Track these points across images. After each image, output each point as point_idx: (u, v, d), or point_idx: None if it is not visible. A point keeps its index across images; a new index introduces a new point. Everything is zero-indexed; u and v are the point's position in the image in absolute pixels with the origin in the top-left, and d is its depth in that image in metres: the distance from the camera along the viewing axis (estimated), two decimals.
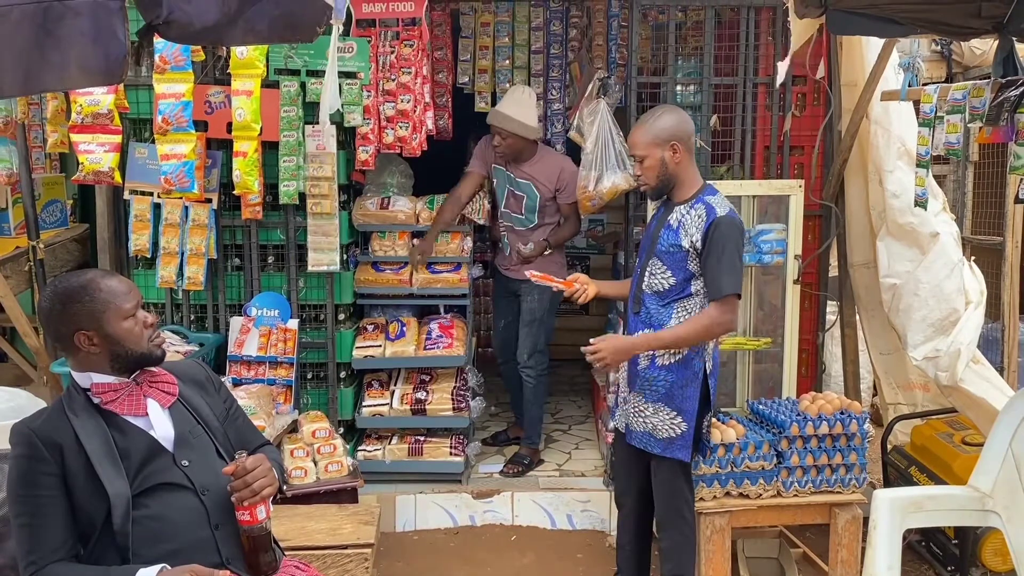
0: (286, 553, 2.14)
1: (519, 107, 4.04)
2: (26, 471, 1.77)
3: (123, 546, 1.77)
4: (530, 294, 4.20)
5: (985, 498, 2.40)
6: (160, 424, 1.91)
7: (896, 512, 2.36)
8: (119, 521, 1.77)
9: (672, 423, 2.84)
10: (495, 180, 4.27)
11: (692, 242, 2.79)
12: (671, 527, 2.95)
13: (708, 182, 2.95)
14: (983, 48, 4.49)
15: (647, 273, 2.92)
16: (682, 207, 2.86)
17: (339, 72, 3.82)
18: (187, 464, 1.89)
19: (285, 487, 2.14)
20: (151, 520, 1.81)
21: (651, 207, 3.14)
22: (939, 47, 4.75)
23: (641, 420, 2.90)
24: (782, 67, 3.21)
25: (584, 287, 3.06)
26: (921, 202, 3.11)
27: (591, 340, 2.90)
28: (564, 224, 4.27)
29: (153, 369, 1.96)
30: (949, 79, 4.65)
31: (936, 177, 4.02)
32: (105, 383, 1.88)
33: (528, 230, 4.23)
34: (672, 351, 2.85)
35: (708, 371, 2.87)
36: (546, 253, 4.18)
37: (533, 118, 4.11)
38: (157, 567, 1.75)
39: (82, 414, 1.84)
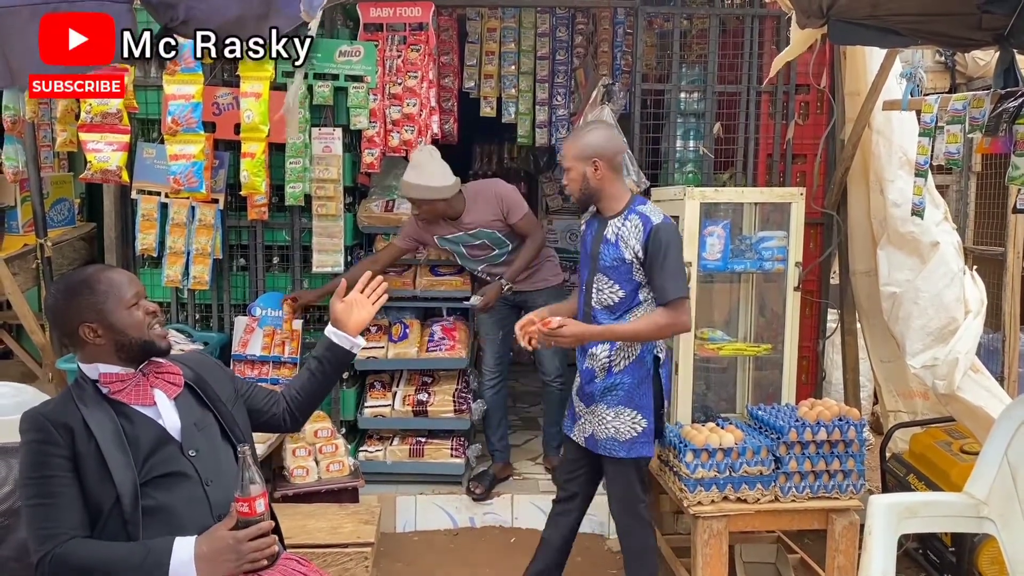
0: (287, 549, 2.16)
1: (421, 171, 3.72)
2: (38, 453, 1.79)
3: (132, 535, 1.79)
4: (546, 302, 3.53)
5: (980, 505, 2.41)
6: (167, 414, 1.93)
7: (891, 517, 2.37)
8: (129, 508, 1.79)
9: (633, 423, 2.90)
10: (448, 249, 4.03)
11: (634, 253, 2.83)
12: (634, 530, 3.00)
13: (636, 195, 3.00)
14: (986, 59, 4.50)
15: (594, 289, 2.94)
16: (616, 220, 2.90)
17: (345, 75, 3.87)
18: (194, 454, 1.91)
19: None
20: (157, 510, 1.83)
21: (584, 219, 3.15)
22: (943, 57, 4.76)
23: (603, 427, 2.93)
24: (776, 64, 3.19)
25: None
26: (918, 211, 3.12)
27: (549, 318, 2.86)
28: (523, 246, 3.94)
29: (159, 360, 1.99)
30: (953, 89, 4.66)
31: (939, 187, 4.03)
32: (112, 373, 1.91)
33: (511, 255, 3.99)
34: (626, 356, 2.90)
35: (661, 363, 2.95)
36: (505, 291, 3.92)
37: (441, 175, 3.75)
38: (192, 537, 1.79)
39: (91, 403, 1.87)
